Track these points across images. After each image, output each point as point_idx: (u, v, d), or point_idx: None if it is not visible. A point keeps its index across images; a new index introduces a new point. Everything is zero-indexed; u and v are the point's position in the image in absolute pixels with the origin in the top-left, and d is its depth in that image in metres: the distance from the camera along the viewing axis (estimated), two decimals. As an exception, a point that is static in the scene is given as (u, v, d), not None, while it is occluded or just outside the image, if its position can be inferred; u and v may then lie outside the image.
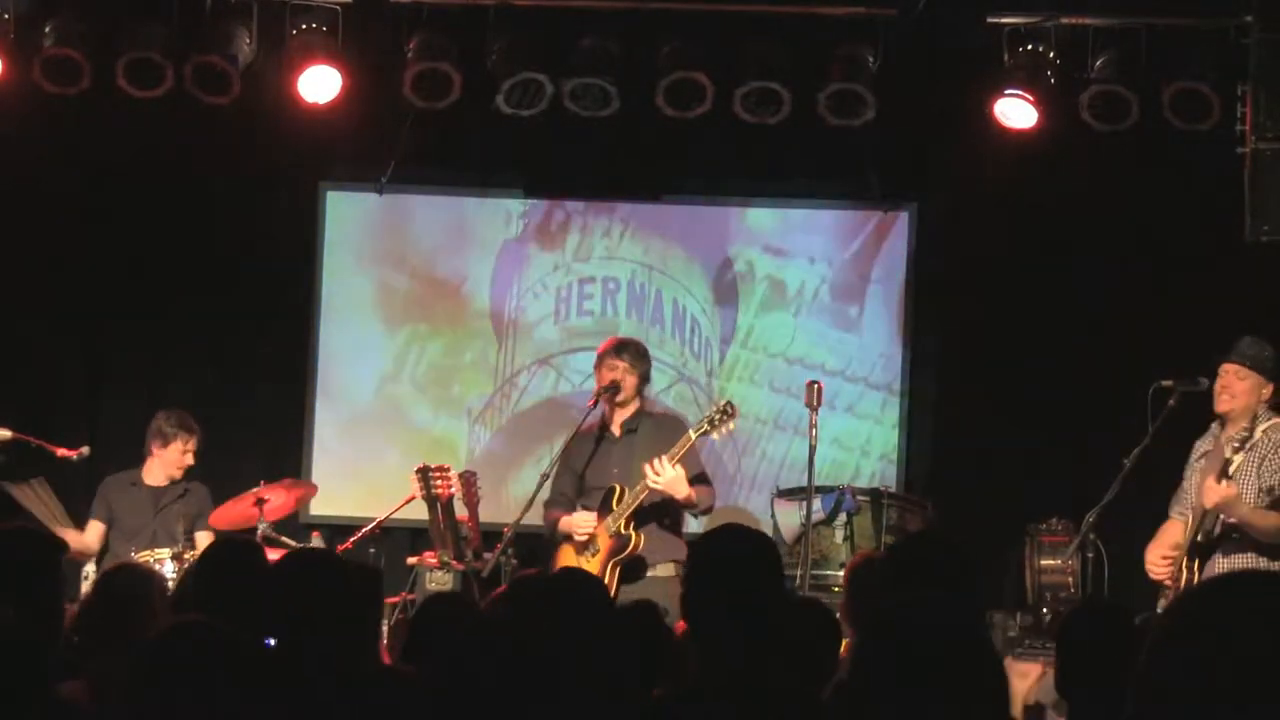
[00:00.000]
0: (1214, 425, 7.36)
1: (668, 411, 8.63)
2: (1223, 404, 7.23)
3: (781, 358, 10.00)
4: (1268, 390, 7.24)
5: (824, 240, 10.04)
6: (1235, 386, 7.21)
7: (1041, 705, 6.88)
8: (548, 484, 8.03)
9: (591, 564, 7.65)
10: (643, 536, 7.70)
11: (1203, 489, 7.01)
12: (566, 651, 3.40)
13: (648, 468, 7.57)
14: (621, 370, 7.86)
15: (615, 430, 7.93)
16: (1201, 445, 7.38)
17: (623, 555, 7.68)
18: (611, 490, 7.74)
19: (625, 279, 10.13)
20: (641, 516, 7.72)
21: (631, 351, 7.96)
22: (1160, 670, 1.68)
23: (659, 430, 7.91)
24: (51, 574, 4.33)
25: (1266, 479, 7.04)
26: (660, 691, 4.51)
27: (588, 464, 7.90)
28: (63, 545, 4.52)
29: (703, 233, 10.11)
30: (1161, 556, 7.21)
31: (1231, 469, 7.02)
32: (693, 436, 7.67)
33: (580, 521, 7.75)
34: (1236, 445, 7.01)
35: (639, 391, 7.95)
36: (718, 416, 7.70)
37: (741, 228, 10.11)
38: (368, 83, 9.14)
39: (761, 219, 10.10)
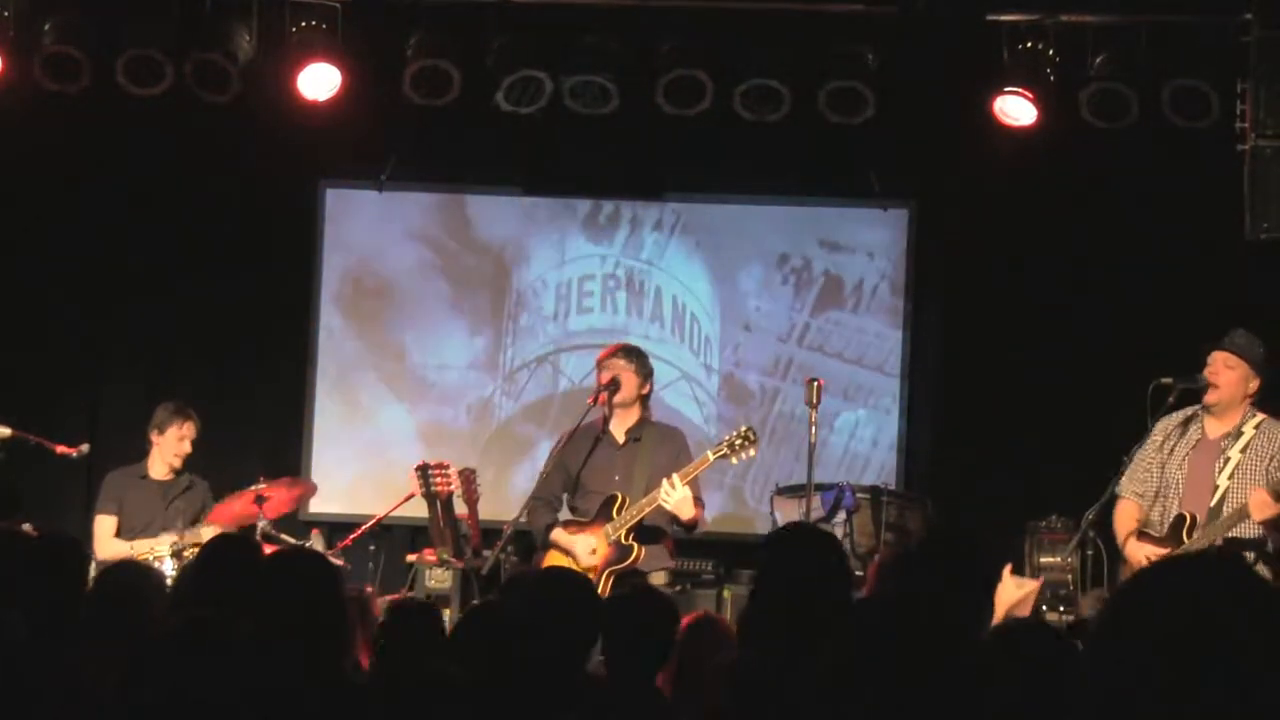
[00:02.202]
0: (1190, 410, 7.32)
1: (666, 423, 8.61)
2: (1210, 395, 7.22)
3: (782, 354, 10.00)
4: (1255, 384, 7.23)
5: (822, 237, 10.03)
6: (1223, 375, 7.20)
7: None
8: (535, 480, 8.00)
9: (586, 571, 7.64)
10: (644, 550, 7.70)
11: (1250, 500, 6.96)
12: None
13: (666, 484, 7.55)
14: (619, 368, 7.85)
15: (618, 436, 7.89)
16: (1173, 430, 7.31)
17: (621, 565, 7.66)
18: (612, 498, 7.73)
19: (625, 276, 10.13)
20: (639, 528, 7.72)
21: (631, 354, 7.95)
22: (1099, 665, 1.67)
23: (663, 441, 7.90)
24: (68, 576, 4.31)
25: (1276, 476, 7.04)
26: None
27: (585, 466, 7.85)
28: (79, 547, 4.50)
29: (702, 229, 10.11)
30: (1147, 558, 7.13)
31: (1231, 467, 7.02)
32: (710, 458, 7.66)
33: (583, 549, 7.72)
34: (1233, 442, 7.02)
35: (640, 394, 7.92)
36: (739, 442, 7.67)
37: (741, 224, 10.11)
38: (367, 80, 9.13)
39: (761, 216, 10.10)
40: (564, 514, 7.94)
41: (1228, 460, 7.07)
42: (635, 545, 7.67)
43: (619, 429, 7.90)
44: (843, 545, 4.58)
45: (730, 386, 10.03)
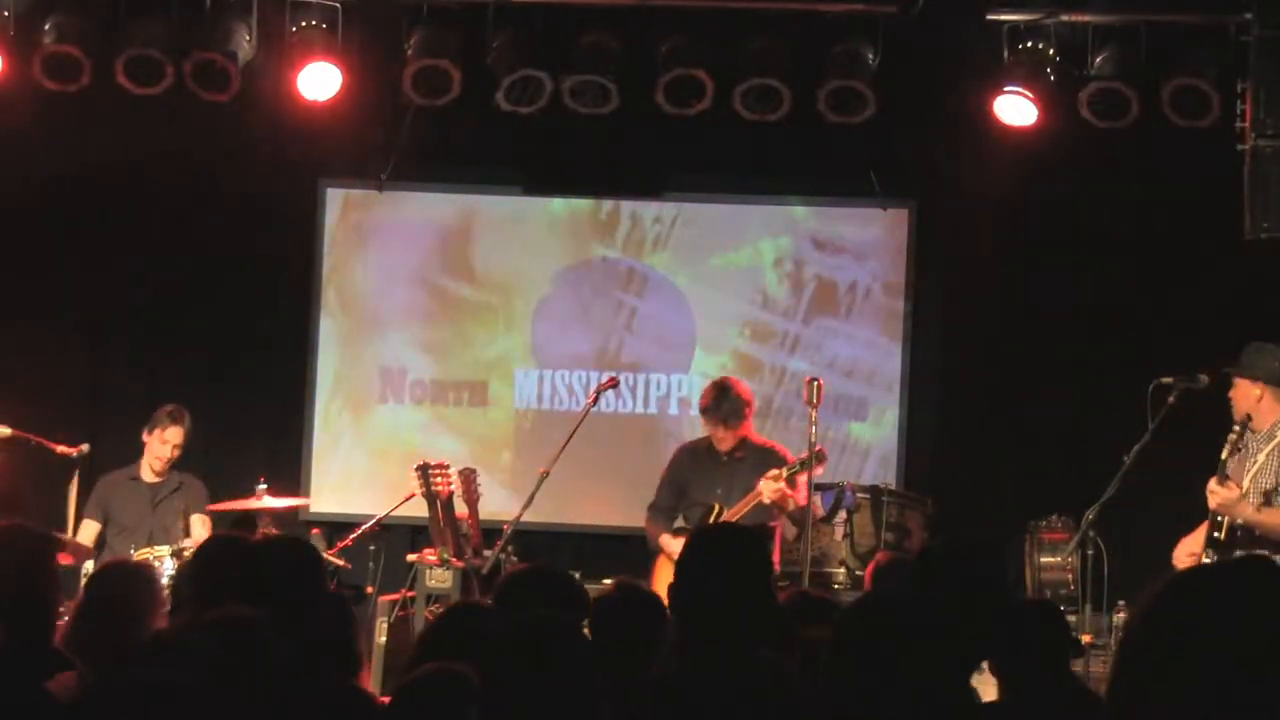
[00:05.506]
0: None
1: (769, 442, 8.69)
2: (1236, 414, 7.29)
3: (781, 353, 9.99)
4: (1257, 390, 7.25)
5: (822, 237, 10.03)
6: (1233, 395, 7.26)
7: None
8: (654, 493, 8.55)
9: None
10: None
11: (1206, 490, 7.04)
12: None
13: (766, 479, 7.99)
14: (722, 430, 8.28)
15: (723, 453, 8.37)
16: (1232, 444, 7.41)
17: None
18: (710, 508, 8.25)
19: (624, 275, 10.13)
20: None
21: (720, 410, 8.29)
22: (1135, 668, 1.65)
23: (764, 459, 8.29)
24: (42, 572, 4.31)
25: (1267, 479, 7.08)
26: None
27: (694, 480, 8.43)
28: (54, 542, 4.50)
29: (701, 229, 10.10)
30: (1189, 554, 7.23)
31: (1255, 469, 7.07)
32: (784, 474, 8.05)
33: (677, 549, 7.96)
34: (1264, 445, 7.11)
35: (739, 435, 8.33)
36: (811, 461, 7.97)
37: (741, 224, 10.10)
38: (367, 80, 9.14)
39: (761, 216, 10.09)
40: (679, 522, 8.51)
41: (1255, 462, 7.13)
42: None
43: (725, 448, 8.39)
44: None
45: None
